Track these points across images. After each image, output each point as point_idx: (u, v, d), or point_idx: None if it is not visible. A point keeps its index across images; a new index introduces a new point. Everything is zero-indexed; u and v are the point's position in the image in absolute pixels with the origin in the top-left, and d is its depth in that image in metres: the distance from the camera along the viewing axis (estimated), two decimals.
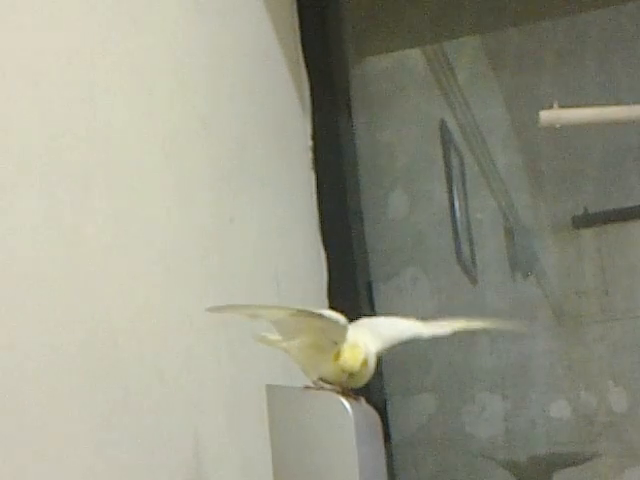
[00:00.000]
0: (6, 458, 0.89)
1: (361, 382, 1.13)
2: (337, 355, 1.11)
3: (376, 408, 1.19)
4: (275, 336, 1.18)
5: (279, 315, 1.14)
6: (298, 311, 1.11)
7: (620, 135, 2.06)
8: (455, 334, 1.22)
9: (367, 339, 1.14)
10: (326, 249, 1.85)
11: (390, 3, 2.05)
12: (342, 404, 1.10)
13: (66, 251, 1.03)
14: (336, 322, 1.11)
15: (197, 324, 1.30)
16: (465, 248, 2.09)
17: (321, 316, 1.11)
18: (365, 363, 1.11)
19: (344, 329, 1.12)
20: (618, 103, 1.91)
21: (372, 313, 1.87)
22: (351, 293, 1.85)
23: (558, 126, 1.85)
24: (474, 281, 2.10)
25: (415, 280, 2.04)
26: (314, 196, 1.86)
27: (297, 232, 1.76)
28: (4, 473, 0.89)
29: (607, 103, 1.91)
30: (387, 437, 1.88)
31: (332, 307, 1.80)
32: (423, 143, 2.13)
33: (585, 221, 2.10)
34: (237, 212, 1.48)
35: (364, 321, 1.20)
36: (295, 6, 1.93)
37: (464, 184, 2.13)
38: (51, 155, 1.03)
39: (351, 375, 1.11)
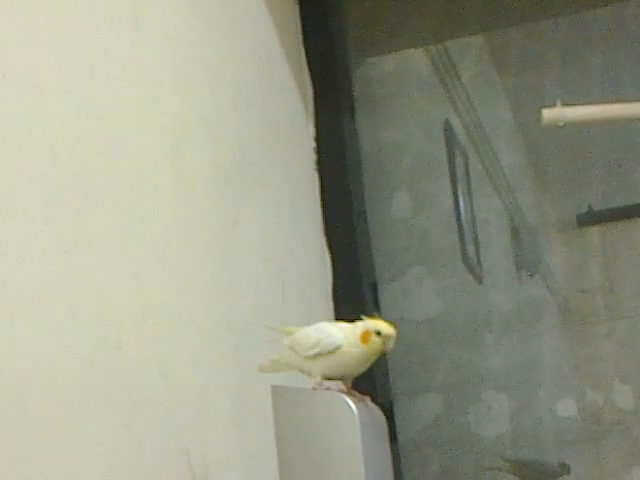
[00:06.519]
0: (12, 463, 0.90)
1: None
2: (365, 336, 1.11)
3: (382, 408, 1.19)
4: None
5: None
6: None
7: (624, 133, 2.06)
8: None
9: None
10: (331, 250, 1.85)
11: (392, 3, 2.05)
12: (348, 404, 1.11)
13: (69, 254, 1.03)
14: None
15: (202, 326, 1.30)
16: (470, 248, 2.09)
17: None
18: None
19: None
20: (621, 101, 1.90)
21: (377, 314, 1.86)
22: (356, 294, 1.84)
23: (561, 124, 1.84)
24: (479, 280, 2.10)
25: (420, 280, 2.04)
26: (318, 197, 1.86)
27: (301, 234, 1.76)
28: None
29: (610, 101, 1.91)
30: (393, 437, 1.87)
31: (337, 308, 1.80)
32: (427, 143, 2.13)
33: (590, 219, 2.09)
34: (241, 214, 1.48)
35: None
36: (297, 8, 1.93)
37: (469, 184, 2.13)
38: (53, 160, 1.03)
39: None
